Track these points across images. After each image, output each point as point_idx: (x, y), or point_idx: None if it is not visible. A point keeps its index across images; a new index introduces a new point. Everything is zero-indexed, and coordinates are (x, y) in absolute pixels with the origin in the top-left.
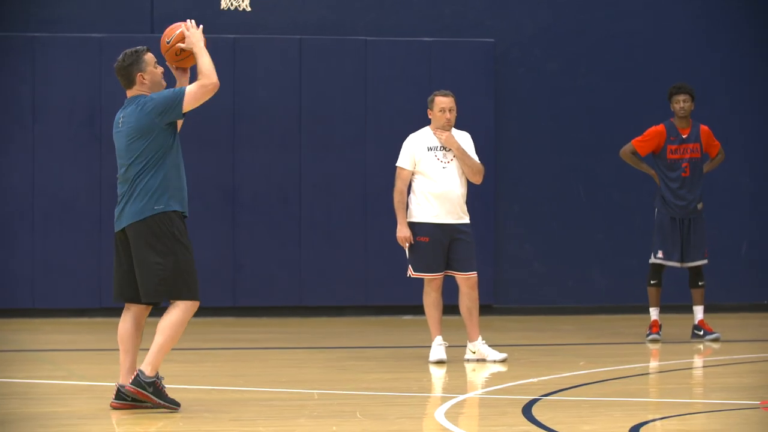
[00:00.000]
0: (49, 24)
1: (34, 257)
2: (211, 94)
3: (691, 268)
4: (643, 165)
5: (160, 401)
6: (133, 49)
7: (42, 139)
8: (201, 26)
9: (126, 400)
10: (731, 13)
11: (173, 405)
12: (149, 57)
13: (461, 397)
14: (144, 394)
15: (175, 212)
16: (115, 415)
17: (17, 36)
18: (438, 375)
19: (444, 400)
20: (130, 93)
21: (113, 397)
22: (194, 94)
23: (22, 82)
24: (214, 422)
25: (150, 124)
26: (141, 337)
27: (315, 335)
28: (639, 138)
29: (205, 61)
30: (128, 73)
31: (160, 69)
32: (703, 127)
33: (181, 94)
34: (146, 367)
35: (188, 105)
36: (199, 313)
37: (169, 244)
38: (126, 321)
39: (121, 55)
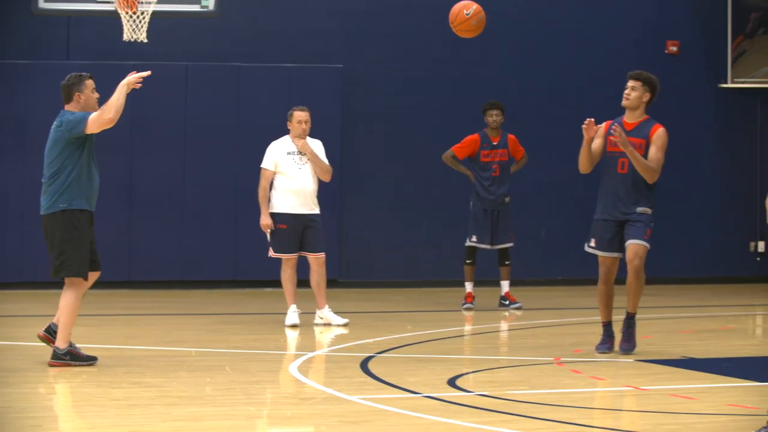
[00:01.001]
0: None
1: None
2: (109, 125)
3: (499, 250)
4: (461, 167)
5: (79, 362)
6: (78, 73)
7: None
8: (149, 72)
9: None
10: (527, 40)
11: (91, 361)
12: (90, 82)
13: (310, 355)
14: (64, 363)
15: (79, 210)
16: (52, 371)
17: None
18: (292, 336)
19: (296, 356)
20: (66, 107)
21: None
22: (94, 121)
23: None
24: (110, 374)
25: (60, 137)
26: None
27: (193, 304)
28: (458, 145)
29: (113, 98)
30: (69, 91)
31: (96, 95)
32: (511, 136)
33: (85, 119)
34: (59, 343)
35: (89, 129)
36: (100, 286)
37: (66, 234)
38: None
39: (67, 76)
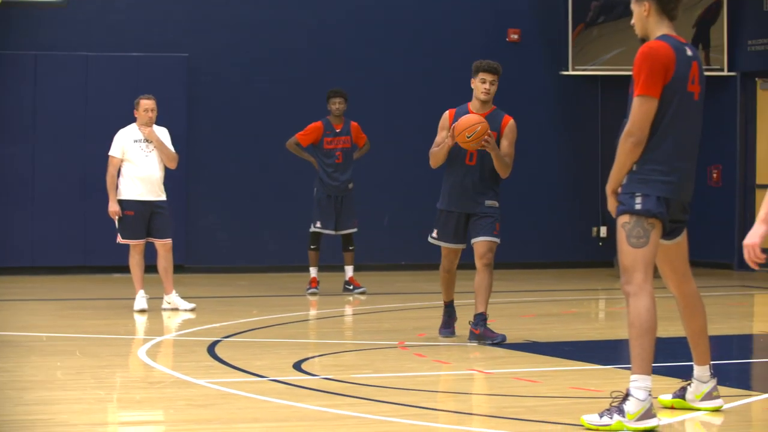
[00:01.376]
0: None
1: None
2: None
3: (343, 236)
4: (304, 154)
5: None
6: None
7: None
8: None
9: None
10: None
11: None
12: None
13: (158, 339)
14: None
15: None
16: None
17: None
18: (141, 321)
19: (145, 341)
20: None
21: None
22: None
23: None
24: None
25: None
26: None
27: (43, 290)
28: (301, 132)
29: None
30: None
31: None
32: (353, 123)
33: None
34: None
35: None
36: None
37: None
38: None
39: None
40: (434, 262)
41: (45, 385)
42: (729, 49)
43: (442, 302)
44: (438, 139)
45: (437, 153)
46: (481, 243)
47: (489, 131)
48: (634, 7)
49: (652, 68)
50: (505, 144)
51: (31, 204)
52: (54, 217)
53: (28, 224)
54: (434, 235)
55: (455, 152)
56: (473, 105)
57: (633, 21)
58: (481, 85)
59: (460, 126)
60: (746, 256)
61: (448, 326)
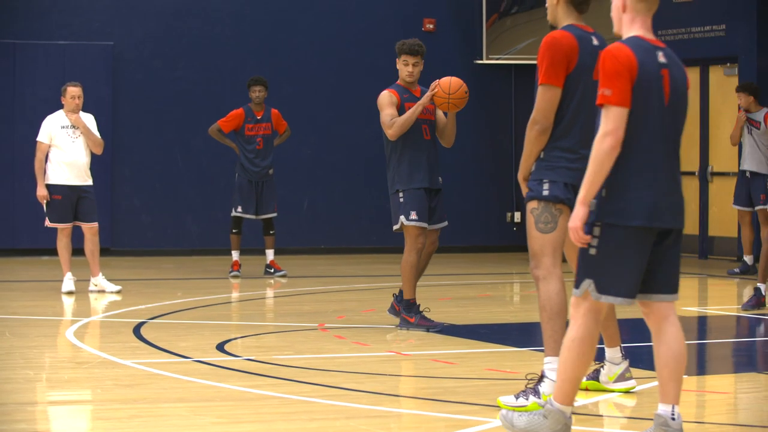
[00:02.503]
0: None
1: None
2: None
3: (264, 220)
4: (227, 140)
5: None
6: None
7: None
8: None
9: None
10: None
11: None
12: None
13: (86, 320)
14: None
15: None
16: None
17: None
18: (68, 303)
19: (73, 322)
20: None
21: None
22: None
23: None
24: None
25: None
26: None
27: None
28: (223, 119)
29: None
30: None
31: None
32: (274, 111)
33: None
34: None
35: None
36: None
37: None
38: None
39: None
40: (351, 246)
41: None
42: None
43: (409, 299)
44: (389, 112)
45: (406, 120)
46: (437, 231)
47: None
48: None
49: (553, 58)
50: (442, 118)
51: None
52: None
53: None
54: (413, 216)
55: (412, 129)
56: (408, 85)
57: (547, 5)
58: (405, 68)
59: (444, 84)
60: (572, 238)
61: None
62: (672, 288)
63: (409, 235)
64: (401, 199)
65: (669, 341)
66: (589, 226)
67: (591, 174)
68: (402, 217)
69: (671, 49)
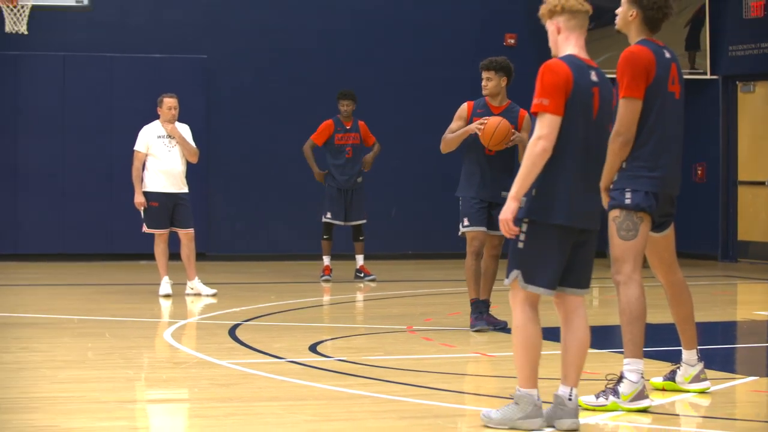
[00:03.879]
0: None
1: None
2: None
3: (353, 226)
4: (314, 163)
5: None
6: None
7: None
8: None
9: None
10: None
11: None
12: None
13: (183, 322)
14: None
15: None
16: None
17: None
18: (165, 305)
19: (170, 324)
20: None
21: None
22: None
23: None
24: (2, 341)
25: None
26: None
27: (73, 275)
28: (315, 133)
29: None
30: None
31: None
32: (361, 123)
33: None
34: None
35: None
36: None
37: None
38: None
39: None
40: (438, 251)
41: (77, 364)
42: (711, 54)
43: (470, 299)
44: (453, 126)
45: (451, 140)
46: (498, 236)
47: (511, 129)
48: (623, 3)
49: (633, 71)
50: (525, 136)
51: (61, 195)
52: (82, 207)
53: (59, 214)
54: (466, 223)
55: (474, 144)
56: (489, 99)
57: (617, 11)
58: (482, 82)
59: (488, 131)
60: (502, 229)
61: (479, 318)
62: (583, 283)
63: (466, 240)
64: (460, 207)
65: (575, 330)
66: (518, 221)
67: (523, 173)
68: (459, 224)
69: (602, 70)
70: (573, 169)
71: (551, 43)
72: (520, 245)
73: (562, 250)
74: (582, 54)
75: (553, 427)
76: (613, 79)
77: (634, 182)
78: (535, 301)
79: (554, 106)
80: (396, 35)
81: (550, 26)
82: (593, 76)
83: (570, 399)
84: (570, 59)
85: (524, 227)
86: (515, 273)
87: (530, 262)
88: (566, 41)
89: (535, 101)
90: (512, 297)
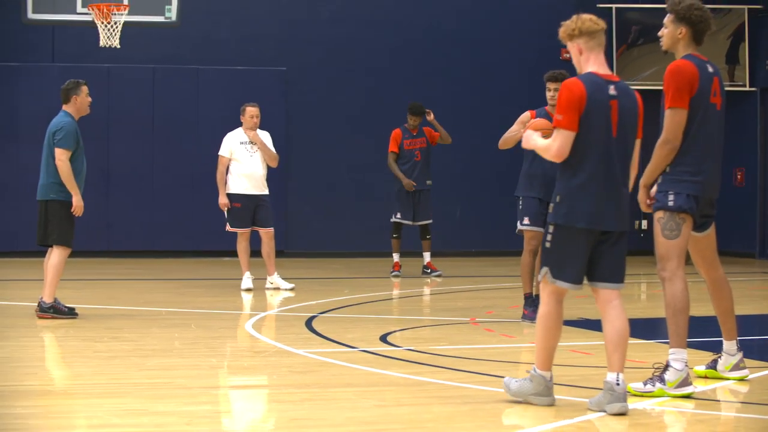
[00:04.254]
0: None
1: None
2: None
3: (421, 226)
4: (399, 173)
5: (61, 316)
6: (76, 80)
7: None
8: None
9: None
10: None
11: (72, 315)
12: (85, 88)
13: (262, 314)
14: (47, 316)
15: (66, 201)
16: (41, 323)
17: None
18: (247, 299)
19: (251, 316)
20: (64, 107)
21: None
22: (66, 154)
23: None
24: (93, 330)
25: (50, 139)
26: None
27: (162, 271)
28: (390, 146)
29: (69, 183)
30: (67, 94)
31: (89, 99)
32: (425, 128)
33: (64, 145)
34: (45, 297)
35: (65, 155)
36: (83, 254)
37: (56, 218)
38: (49, 257)
39: (67, 81)
40: (501, 249)
41: (165, 353)
42: (750, 68)
43: (524, 293)
44: (513, 128)
45: (508, 138)
46: (537, 232)
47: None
48: (669, 24)
49: (679, 83)
50: None
51: (150, 197)
52: (170, 208)
53: (149, 214)
54: (526, 221)
55: None
56: (550, 109)
57: (661, 33)
58: (548, 93)
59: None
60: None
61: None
62: (615, 278)
63: (524, 237)
64: (520, 206)
65: (612, 320)
66: (546, 225)
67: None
68: (518, 222)
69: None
70: (592, 177)
71: (575, 63)
72: (548, 245)
73: (583, 250)
74: (601, 70)
75: (605, 411)
76: (660, 91)
77: (678, 185)
78: (562, 295)
79: (567, 122)
80: (460, 49)
81: (572, 48)
82: (611, 90)
83: (618, 384)
84: (587, 77)
85: (551, 229)
86: (544, 270)
87: (556, 260)
88: (587, 61)
89: (554, 116)
90: (542, 289)
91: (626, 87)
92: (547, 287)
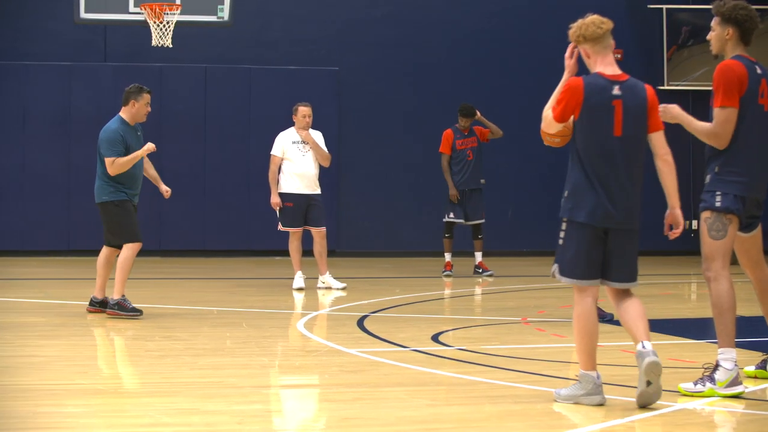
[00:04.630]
0: (34, 56)
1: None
2: (111, 174)
3: (473, 225)
4: (450, 178)
5: (125, 313)
6: (141, 85)
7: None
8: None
9: (95, 307)
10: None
11: (136, 312)
12: (147, 96)
13: (314, 314)
14: (113, 312)
15: (119, 201)
16: (94, 318)
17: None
18: (298, 298)
19: (302, 315)
20: (122, 109)
21: (88, 304)
22: (109, 164)
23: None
24: (145, 329)
25: (100, 144)
26: (110, 267)
27: (213, 270)
28: (442, 147)
29: (127, 158)
30: (127, 97)
31: (148, 109)
32: (476, 127)
33: (108, 156)
34: (114, 294)
35: (106, 164)
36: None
37: (113, 218)
38: (100, 255)
39: (131, 84)
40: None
41: (216, 352)
42: None
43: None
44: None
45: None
46: None
47: None
48: (716, 27)
49: (728, 83)
50: None
51: (202, 196)
52: (222, 207)
53: (201, 214)
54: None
55: None
56: None
57: (709, 37)
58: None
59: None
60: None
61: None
62: (625, 277)
63: None
64: None
65: (627, 305)
66: (559, 221)
67: (552, 98)
68: None
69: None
70: (593, 174)
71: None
72: (560, 241)
73: (590, 245)
74: (608, 71)
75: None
76: (711, 92)
77: (725, 186)
78: (595, 295)
79: (557, 114)
80: (511, 49)
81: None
82: (616, 91)
83: (644, 347)
84: (591, 78)
85: (563, 225)
86: (554, 266)
87: (565, 256)
88: (594, 63)
89: (716, 98)
90: (575, 291)
91: (633, 85)
92: (576, 288)
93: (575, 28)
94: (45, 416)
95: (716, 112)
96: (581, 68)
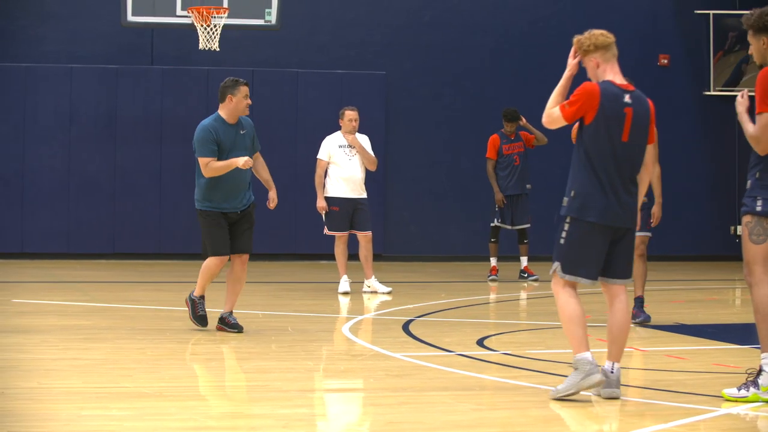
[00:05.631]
0: (81, 58)
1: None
2: (206, 176)
3: (518, 230)
4: (496, 184)
5: (191, 315)
6: (236, 78)
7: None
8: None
9: (225, 325)
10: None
11: (198, 322)
12: (244, 89)
13: (359, 318)
14: (187, 303)
15: (203, 210)
16: (138, 321)
17: (55, 66)
18: (344, 302)
19: (348, 319)
20: (220, 106)
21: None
22: (203, 166)
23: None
24: (190, 332)
25: (194, 143)
26: (230, 279)
27: (259, 274)
28: (488, 152)
29: (221, 165)
30: (224, 93)
31: (248, 101)
32: (522, 132)
33: (200, 158)
34: (196, 290)
35: (200, 166)
36: (182, 257)
37: (201, 227)
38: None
39: (225, 79)
40: None
41: (262, 356)
42: None
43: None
44: None
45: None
46: (638, 236)
47: None
48: (751, 39)
49: (765, 89)
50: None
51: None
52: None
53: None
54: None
55: None
56: None
57: (750, 51)
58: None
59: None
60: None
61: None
62: (624, 274)
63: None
64: None
65: (615, 312)
66: (561, 219)
67: (554, 94)
68: None
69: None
70: (602, 176)
71: (591, 76)
72: (562, 241)
73: (598, 244)
74: (617, 79)
75: (599, 395)
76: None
77: (765, 191)
78: (575, 288)
79: (568, 113)
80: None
81: (589, 63)
82: (627, 99)
83: (612, 372)
84: (605, 85)
85: (566, 224)
86: (556, 264)
87: (571, 255)
88: (604, 72)
89: (758, 104)
90: (554, 284)
91: (640, 95)
92: (559, 281)
93: (585, 39)
94: (89, 419)
95: (757, 117)
96: (580, 71)
